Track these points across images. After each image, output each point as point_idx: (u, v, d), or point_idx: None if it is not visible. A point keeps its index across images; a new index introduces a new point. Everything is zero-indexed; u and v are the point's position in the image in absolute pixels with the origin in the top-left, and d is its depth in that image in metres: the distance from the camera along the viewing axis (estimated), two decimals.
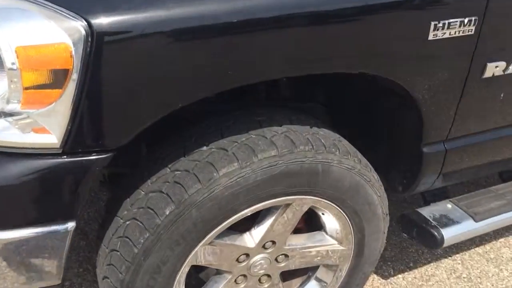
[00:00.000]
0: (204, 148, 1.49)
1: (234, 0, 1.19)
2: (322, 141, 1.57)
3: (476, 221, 2.10)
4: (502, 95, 1.72)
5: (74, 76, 1.10)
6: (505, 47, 1.61)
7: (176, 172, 1.45)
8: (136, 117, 1.20)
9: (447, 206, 2.18)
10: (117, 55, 1.11)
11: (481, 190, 2.31)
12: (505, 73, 1.64)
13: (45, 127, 1.15)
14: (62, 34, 1.07)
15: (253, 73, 1.32)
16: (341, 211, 1.69)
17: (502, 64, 1.62)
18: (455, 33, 1.45)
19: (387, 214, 1.83)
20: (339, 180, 1.60)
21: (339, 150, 1.59)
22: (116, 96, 1.15)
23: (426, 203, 2.28)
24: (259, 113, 1.63)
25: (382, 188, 1.76)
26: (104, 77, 1.13)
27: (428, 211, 2.13)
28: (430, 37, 1.42)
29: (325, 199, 1.62)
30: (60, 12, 1.06)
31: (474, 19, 1.45)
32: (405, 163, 1.89)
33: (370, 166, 1.70)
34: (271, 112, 1.66)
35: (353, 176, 1.63)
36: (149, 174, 1.50)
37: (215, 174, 1.41)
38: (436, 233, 2.02)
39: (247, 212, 1.51)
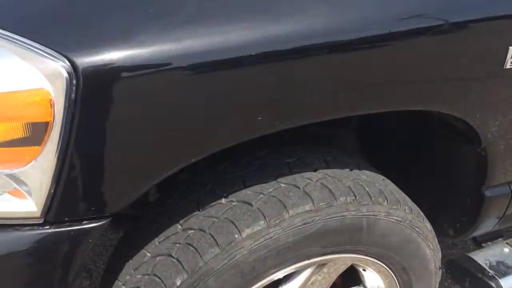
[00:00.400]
0: (223, 200, 1.22)
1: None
2: (367, 188, 1.29)
3: None
4: None
5: (56, 129, 0.85)
6: None
7: (189, 232, 1.19)
8: (139, 176, 0.95)
9: (504, 250, 1.87)
10: (111, 102, 0.86)
11: None
12: None
13: (20, 191, 0.90)
14: (40, 78, 0.82)
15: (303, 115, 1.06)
16: (387, 268, 1.41)
17: None
18: None
19: (439, 268, 1.55)
20: (387, 235, 1.32)
21: (387, 199, 1.31)
22: (111, 152, 0.90)
23: (477, 244, 1.99)
24: (287, 153, 1.37)
25: (436, 239, 1.48)
26: (95, 130, 0.87)
27: (483, 257, 1.83)
28: (508, 65, 1.13)
29: (369, 256, 1.35)
30: (36, 49, 0.81)
31: None
32: (461, 207, 1.60)
33: (422, 215, 1.42)
34: (301, 151, 1.39)
35: (403, 229, 1.35)
36: (157, 230, 1.25)
37: (236, 235, 1.14)
38: (494, 285, 1.73)
39: (274, 277, 1.24)
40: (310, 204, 1.20)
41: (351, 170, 1.36)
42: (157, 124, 0.91)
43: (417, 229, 1.38)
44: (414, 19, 1.06)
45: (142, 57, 0.85)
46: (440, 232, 1.80)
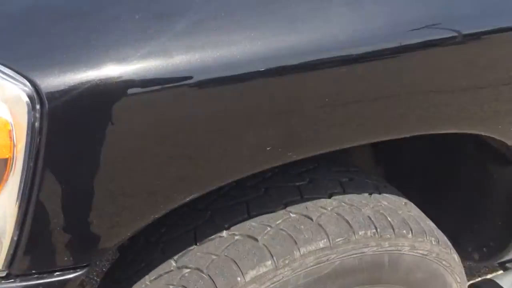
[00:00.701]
0: (224, 233, 1.06)
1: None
2: (389, 218, 1.12)
3: None
4: None
5: (18, 167, 0.68)
6: None
7: (185, 271, 1.02)
8: (121, 221, 0.78)
9: None
10: (84, 131, 0.69)
11: None
12: None
13: None
14: None
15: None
16: None
17: None
18: None
19: None
20: (411, 271, 1.16)
21: (411, 230, 1.14)
22: (86, 193, 0.73)
23: (500, 264, 1.83)
24: (297, 173, 1.20)
25: (463, 271, 1.31)
26: (66, 166, 0.70)
27: (509, 282, 1.67)
28: None
29: None
30: None
31: None
32: (490, 231, 1.43)
33: (450, 245, 1.25)
34: (313, 171, 1.22)
35: (429, 264, 1.18)
36: (148, 266, 1.08)
37: (239, 278, 0.98)
38: None
39: None
40: (325, 240, 1.03)
41: (370, 194, 1.19)
42: (148, 158, 0.74)
43: (444, 262, 1.21)
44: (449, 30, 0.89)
45: (123, 76, 0.68)
46: (463, 255, 1.65)
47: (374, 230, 1.08)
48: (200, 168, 0.80)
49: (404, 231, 1.12)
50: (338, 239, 1.04)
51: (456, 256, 1.26)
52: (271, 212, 1.08)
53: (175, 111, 0.74)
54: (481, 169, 1.32)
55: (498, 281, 1.66)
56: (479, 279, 2.18)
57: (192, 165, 0.79)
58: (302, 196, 1.12)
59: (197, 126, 0.77)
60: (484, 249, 1.51)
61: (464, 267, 1.97)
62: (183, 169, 0.78)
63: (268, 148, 0.81)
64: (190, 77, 0.72)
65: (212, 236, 1.06)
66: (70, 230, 0.75)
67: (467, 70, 0.95)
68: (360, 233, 1.06)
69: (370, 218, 1.10)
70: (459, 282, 1.29)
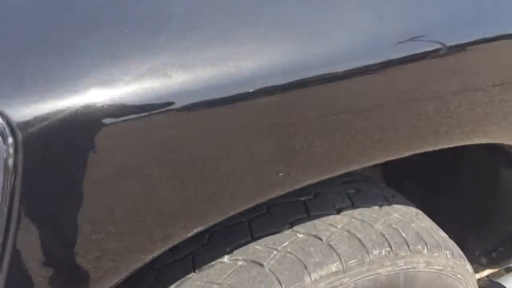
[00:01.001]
0: (225, 258, 0.96)
1: None
2: (403, 233, 1.04)
3: None
4: None
5: None
6: None
7: None
8: (111, 265, 0.67)
9: None
10: (65, 168, 0.58)
11: None
12: None
13: None
14: None
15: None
16: None
17: None
18: None
19: None
20: None
21: (426, 245, 1.06)
22: (69, 234, 0.62)
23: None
24: (300, 187, 1.10)
25: (475, 281, 1.24)
26: (46, 208, 0.59)
27: None
28: None
29: None
30: None
31: None
32: (500, 236, 1.37)
33: (463, 255, 1.18)
34: (317, 183, 1.12)
35: (444, 279, 1.11)
36: None
37: None
38: None
39: None
40: (338, 262, 0.94)
41: (380, 206, 1.11)
42: (138, 192, 0.63)
43: (459, 275, 1.13)
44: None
45: (106, 104, 0.57)
46: (470, 259, 1.59)
47: (389, 248, 0.99)
48: (199, 202, 0.70)
49: (419, 247, 1.04)
50: (352, 261, 0.95)
51: (469, 267, 1.19)
52: (277, 232, 0.98)
53: (167, 140, 0.63)
54: (491, 173, 1.25)
55: (505, 284, 1.61)
56: (485, 278, 2.13)
57: (190, 199, 0.69)
58: (309, 214, 1.03)
59: (191, 153, 0.66)
60: (494, 254, 1.45)
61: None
62: (179, 204, 0.68)
63: (280, 174, 0.71)
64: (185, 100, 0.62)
65: (212, 262, 0.96)
66: (53, 278, 0.64)
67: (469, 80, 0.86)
68: (374, 252, 0.97)
69: (383, 235, 1.01)
70: None
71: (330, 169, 0.79)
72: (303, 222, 1.00)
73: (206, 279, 0.93)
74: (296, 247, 0.95)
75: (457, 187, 1.44)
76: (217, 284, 0.92)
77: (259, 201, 0.77)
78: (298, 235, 0.98)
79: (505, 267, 1.52)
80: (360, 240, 0.98)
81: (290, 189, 0.78)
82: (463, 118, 0.84)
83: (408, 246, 1.02)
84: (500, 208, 1.31)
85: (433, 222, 1.19)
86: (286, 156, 0.71)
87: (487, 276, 2.15)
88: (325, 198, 1.07)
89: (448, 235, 1.63)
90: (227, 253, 0.96)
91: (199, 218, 0.72)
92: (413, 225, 1.08)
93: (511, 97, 0.86)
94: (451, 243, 1.15)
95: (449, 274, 1.11)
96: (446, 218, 1.56)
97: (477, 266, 1.58)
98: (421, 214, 1.19)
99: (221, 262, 0.95)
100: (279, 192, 0.77)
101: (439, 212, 1.56)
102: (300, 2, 0.73)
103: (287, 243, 0.96)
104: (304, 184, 0.79)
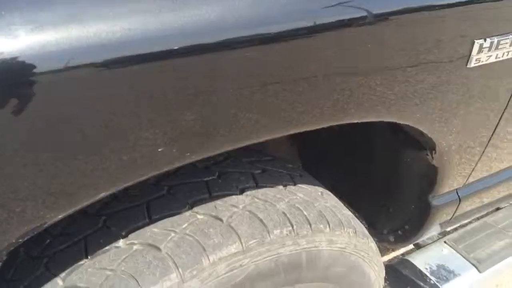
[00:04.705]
0: (120, 243, 0.91)
1: None
2: (305, 212, 1.04)
3: (480, 271, 1.68)
4: None
5: None
6: None
7: None
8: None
9: (443, 251, 1.74)
10: None
11: (477, 223, 1.89)
12: None
13: None
14: None
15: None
16: None
17: None
18: (502, 55, 0.95)
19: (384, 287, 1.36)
20: (329, 266, 1.09)
21: (328, 224, 1.06)
22: None
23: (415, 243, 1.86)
24: (204, 167, 1.07)
25: (380, 259, 1.27)
26: None
27: (422, 261, 1.68)
28: (472, 64, 0.91)
29: None
30: None
31: None
32: (405, 215, 1.41)
33: (367, 233, 1.20)
34: (223, 163, 1.10)
35: (347, 257, 1.12)
36: (30, 286, 0.91)
37: None
38: None
39: None
40: (237, 243, 0.92)
41: (284, 186, 1.10)
42: (42, 153, 0.58)
43: (362, 253, 1.16)
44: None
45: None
46: (379, 238, 1.64)
47: (290, 228, 0.99)
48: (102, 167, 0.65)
49: (322, 226, 1.04)
50: (252, 242, 0.93)
51: (373, 245, 1.22)
52: (176, 214, 0.95)
53: (72, 98, 0.58)
54: (395, 154, 1.28)
55: (412, 261, 1.68)
56: (392, 257, 2.22)
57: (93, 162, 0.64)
58: (210, 194, 1.00)
59: (93, 117, 0.61)
60: (400, 232, 1.50)
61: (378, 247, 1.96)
62: (84, 167, 0.63)
63: (159, 149, 0.67)
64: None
65: (107, 247, 0.91)
66: None
67: (385, 54, 0.87)
68: (275, 232, 0.96)
69: (285, 214, 1.00)
70: (377, 270, 1.25)
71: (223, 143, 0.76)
72: (204, 203, 0.97)
73: (99, 265, 0.88)
74: (195, 228, 0.92)
75: (369, 169, 1.47)
76: (110, 270, 0.87)
77: (142, 177, 0.73)
78: (198, 216, 0.95)
79: (412, 243, 1.57)
80: (261, 220, 0.97)
81: (179, 164, 0.74)
82: (362, 96, 0.84)
83: (310, 225, 1.02)
84: (403, 187, 1.35)
85: (339, 202, 1.21)
86: (168, 129, 0.67)
87: (402, 254, 2.24)
88: (229, 178, 1.05)
89: (360, 216, 1.67)
90: (123, 237, 0.91)
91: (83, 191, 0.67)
92: (316, 204, 1.09)
93: (410, 78, 0.87)
94: (355, 222, 1.17)
95: (353, 252, 1.13)
96: (359, 199, 1.60)
97: (387, 244, 1.63)
98: (327, 193, 1.20)
99: (116, 247, 0.90)
100: (163, 167, 0.73)
101: (353, 194, 1.60)
102: None
103: (186, 224, 0.93)
104: (195, 159, 0.75)
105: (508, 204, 2.08)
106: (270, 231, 0.96)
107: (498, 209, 2.09)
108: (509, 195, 1.67)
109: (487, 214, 2.14)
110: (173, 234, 0.91)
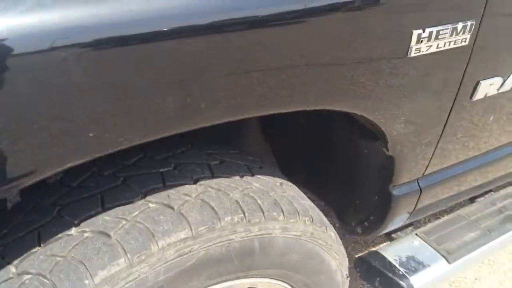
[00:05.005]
0: (72, 230, 0.94)
1: None
2: (259, 201, 1.07)
3: (450, 262, 1.70)
4: (491, 118, 1.30)
5: None
6: (504, 57, 1.16)
7: (25, 277, 0.89)
8: None
9: (414, 243, 1.76)
10: None
11: (450, 216, 1.92)
12: (499, 91, 1.21)
13: None
14: None
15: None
16: (287, 286, 1.21)
17: (498, 80, 1.18)
18: (444, 45, 0.98)
19: (347, 276, 1.38)
20: (285, 253, 1.11)
21: (283, 212, 1.09)
22: None
23: (387, 234, 1.89)
24: (162, 158, 1.10)
25: (341, 247, 1.30)
26: None
27: (392, 252, 1.70)
28: (412, 53, 0.94)
29: (265, 278, 1.14)
30: None
31: (471, 24, 0.99)
32: (369, 206, 1.44)
33: (326, 222, 1.23)
34: (181, 155, 1.13)
35: (304, 245, 1.15)
36: None
37: (87, 281, 0.87)
38: (405, 285, 1.61)
39: None
40: (187, 229, 0.95)
41: (241, 177, 1.13)
42: None
43: (319, 241, 1.18)
44: None
45: None
46: (348, 230, 1.66)
47: (242, 215, 1.01)
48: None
49: (275, 213, 1.07)
50: (201, 228, 0.96)
51: (333, 234, 1.24)
52: (129, 203, 0.97)
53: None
54: (354, 146, 1.31)
55: (382, 252, 1.70)
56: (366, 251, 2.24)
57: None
58: (164, 184, 1.03)
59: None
60: (366, 223, 1.52)
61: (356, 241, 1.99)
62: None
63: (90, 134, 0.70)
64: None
65: (59, 235, 0.93)
66: None
67: (329, 45, 0.89)
68: (226, 219, 0.99)
69: (238, 202, 1.03)
70: (338, 259, 1.28)
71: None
72: (157, 192, 1.00)
73: (50, 252, 0.91)
74: (145, 216, 0.95)
75: (333, 162, 1.50)
76: (61, 256, 0.90)
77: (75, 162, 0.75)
78: (150, 204, 0.97)
79: (378, 235, 1.60)
80: (212, 208, 0.99)
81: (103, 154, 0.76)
82: (309, 84, 0.87)
83: (263, 213, 1.05)
84: (364, 179, 1.37)
85: (300, 192, 1.24)
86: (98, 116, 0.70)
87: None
88: (185, 169, 1.08)
89: (331, 209, 1.70)
90: (75, 226, 0.94)
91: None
92: (272, 193, 1.11)
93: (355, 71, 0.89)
94: (313, 211, 1.19)
95: (309, 240, 1.15)
96: (328, 193, 1.63)
97: (356, 236, 1.66)
98: (286, 184, 1.22)
99: (68, 235, 0.93)
100: (95, 153, 0.75)
101: (322, 188, 1.63)
102: None
103: (137, 212, 0.95)
104: (124, 146, 0.78)
105: (482, 198, 2.12)
106: (221, 218, 0.98)
107: (473, 201, 2.12)
108: (477, 187, 1.69)
109: (460, 207, 2.17)
110: (124, 222, 0.94)
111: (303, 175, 1.72)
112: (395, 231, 1.90)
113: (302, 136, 1.58)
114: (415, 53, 0.94)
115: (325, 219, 1.23)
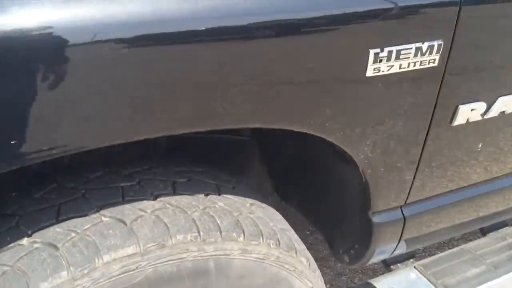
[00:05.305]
0: (24, 241, 0.95)
1: None
2: (218, 221, 1.05)
3: None
4: (480, 146, 1.23)
5: None
6: (485, 81, 1.11)
7: None
8: None
9: (410, 275, 1.69)
10: None
11: (454, 249, 1.82)
12: (485, 117, 1.15)
13: None
14: None
15: None
16: None
17: (480, 106, 1.12)
18: (408, 65, 0.94)
19: None
20: (245, 276, 1.08)
21: (244, 233, 1.07)
22: None
23: (386, 265, 1.81)
24: (127, 174, 1.11)
25: (316, 273, 1.25)
26: None
27: (386, 284, 1.64)
28: (369, 73, 0.91)
29: None
30: None
31: (438, 45, 0.95)
32: (352, 233, 1.39)
33: (298, 247, 1.19)
34: (147, 170, 1.13)
35: (267, 268, 1.11)
36: None
37: None
38: None
39: None
40: (135, 245, 0.94)
41: (206, 195, 1.12)
42: None
43: (286, 266, 1.14)
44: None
45: None
46: (337, 258, 1.61)
47: (196, 234, 1.00)
48: None
49: (234, 234, 1.05)
50: (150, 244, 0.95)
51: (304, 259, 1.20)
52: (83, 216, 0.98)
53: None
54: (333, 169, 1.27)
55: (375, 284, 1.63)
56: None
57: None
58: (123, 198, 1.03)
59: None
60: (352, 251, 1.47)
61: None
62: None
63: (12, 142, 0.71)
64: None
65: (11, 245, 0.95)
66: None
67: (284, 64, 0.88)
68: (178, 237, 0.98)
69: (194, 221, 1.01)
70: (312, 287, 1.23)
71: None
72: (113, 207, 1.00)
73: (0, 261, 0.92)
74: (95, 229, 0.95)
75: (318, 186, 1.46)
76: (8, 266, 0.91)
77: None
78: (103, 218, 0.97)
79: (365, 264, 1.53)
80: (166, 225, 0.98)
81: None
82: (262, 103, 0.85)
83: (220, 232, 1.03)
84: (344, 204, 1.33)
85: (272, 214, 1.21)
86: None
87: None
88: (147, 185, 1.08)
89: (320, 235, 1.65)
90: (28, 236, 0.95)
91: None
92: (235, 214, 1.09)
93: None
94: (283, 234, 1.16)
95: (274, 264, 1.12)
96: (317, 218, 1.59)
97: (345, 265, 1.60)
98: (258, 206, 1.20)
99: (19, 245, 0.94)
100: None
101: (312, 213, 1.59)
102: None
103: (88, 225, 0.96)
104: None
105: (495, 232, 2.00)
106: (173, 235, 0.97)
107: (484, 234, 2.01)
108: (477, 220, 1.60)
109: (467, 241, 2.06)
110: (73, 234, 0.94)
111: (296, 199, 1.69)
112: (395, 262, 1.83)
113: (291, 159, 1.56)
114: (374, 73, 0.91)
115: (298, 244, 1.20)
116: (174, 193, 1.08)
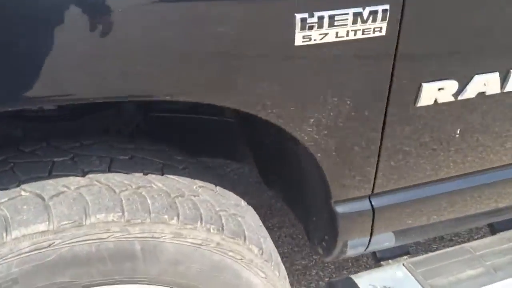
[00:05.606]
0: None
1: None
2: (149, 201, 0.98)
3: None
4: (458, 131, 1.09)
5: None
6: (452, 55, 0.96)
7: None
8: None
9: (397, 273, 1.56)
10: None
11: (452, 248, 1.67)
12: (459, 98, 1.01)
13: None
14: None
15: None
16: None
17: (451, 84, 0.98)
18: (347, 34, 0.82)
19: None
20: (180, 262, 1.01)
21: (178, 216, 0.99)
22: None
23: (376, 260, 1.70)
24: (66, 148, 1.06)
25: (271, 264, 1.16)
26: None
27: (367, 281, 1.52)
28: (298, 42, 0.80)
29: (159, 285, 1.04)
30: None
31: (383, 10, 0.82)
32: (321, 224, 1.29)
33: (246, 235, 1.10)
34: (90, 146, 1.08)
35: (207, 255, 1.04)
36: None
37: None
38: None
39: None
40: (47, 222, 0.89)
41: (145, 174, 1.05)
42: None
43: (231, 253, 1.06)
44: None
45: None
46: (312, 249, 1.51)
47: (120, 214, 0.93)
48: None
49: (166, 216, 0.97)
50: (65, 223, 0.89)
51: (254, 248, 1.11)
52: (3, 189, 0.94)
53: None
54: (297, 156, 1.17)
55: (355, 279, 1.52)
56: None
57: None
58: (50, 173, 0.98)
59: None
60: (323, 243, 1.37)
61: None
62: None
63: None
64: None
65: None
66: None
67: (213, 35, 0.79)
68: (97, 216, 0.92)
69: (121, 200, 0.95)
70: (265, 277, 1.14)
71: None
72: (37, 181, 0.96)
73: None
74: (11, 204, 0.90)
75: (290, 175, 1.37)
76: None
77: None
78: (22, 193, 0.93)
79: (341, 258, 1.42)
80: (87, 202, 0.93)
81: None
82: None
83: (149, 213, 0.96)
84: (310, 192, 1.23)
85: (227, 199, 1.13)
86: None
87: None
88: (82, 161, 1.03)
89: (299, 226, 1.55)
90: None
91: None
92: (173, 195, 1.02)
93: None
94: (229, 220, 1.08)
95: (214, 251, 1.04)
96: (295, 208, 1.49)
97: (321, 257, 1.50)
98: (208, 189, 1.12)
99: None
100: None
101: (290, 202, 1.50)
102: None
103: (5, 199, 0.91)
104: None
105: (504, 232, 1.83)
106: (92, 214, 0.91)
107: (494, 232, 1.84)
108: (470, 217, 1.45)
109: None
110: None
111: (276, 186, 1.60)
112: (387, 258, 1.71)
113: (271, 145, 1.47)
114: (304, 41, 0.80)
115: (246, 232, 1.11)
116: (109, 170, 1.02)
